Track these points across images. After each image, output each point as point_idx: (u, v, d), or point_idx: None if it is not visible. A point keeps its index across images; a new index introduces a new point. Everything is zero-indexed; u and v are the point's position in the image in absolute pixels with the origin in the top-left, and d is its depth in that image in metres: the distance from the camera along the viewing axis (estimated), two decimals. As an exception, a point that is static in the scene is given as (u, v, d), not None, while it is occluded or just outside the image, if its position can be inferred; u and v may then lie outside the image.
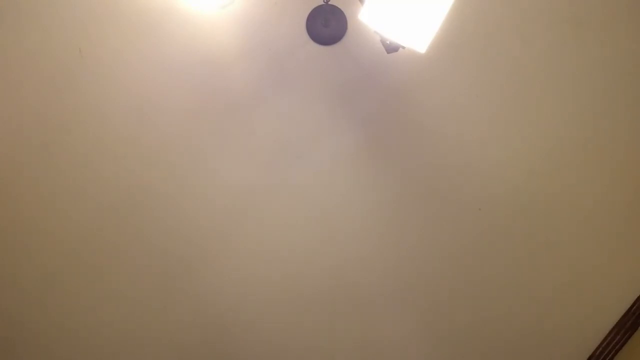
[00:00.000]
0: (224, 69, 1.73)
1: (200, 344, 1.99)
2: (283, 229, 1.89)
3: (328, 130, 1.79)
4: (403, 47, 1.35)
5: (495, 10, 1.68)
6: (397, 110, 1.76)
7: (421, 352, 2.00)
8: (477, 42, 1.70)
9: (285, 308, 1.97)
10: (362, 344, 2.00)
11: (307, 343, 2.00)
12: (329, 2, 1.65)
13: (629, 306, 1.90)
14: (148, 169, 1.82)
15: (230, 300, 1.96)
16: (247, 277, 1.94)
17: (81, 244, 1.88)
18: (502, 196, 1.83)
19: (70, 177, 1.81)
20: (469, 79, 1.73)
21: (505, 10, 1.67)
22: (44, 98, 1.74)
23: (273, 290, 1.95)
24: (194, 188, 1.84)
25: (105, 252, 1.89)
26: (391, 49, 1.41)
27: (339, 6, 1.66)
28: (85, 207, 1.84)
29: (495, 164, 1.80)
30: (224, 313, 1.97)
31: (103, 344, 2.00)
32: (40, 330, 1.98)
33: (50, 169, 1.81)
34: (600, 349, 1.92)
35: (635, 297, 1.89)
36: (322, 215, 1.87)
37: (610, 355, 1.91)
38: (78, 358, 2.01)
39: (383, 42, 1.40)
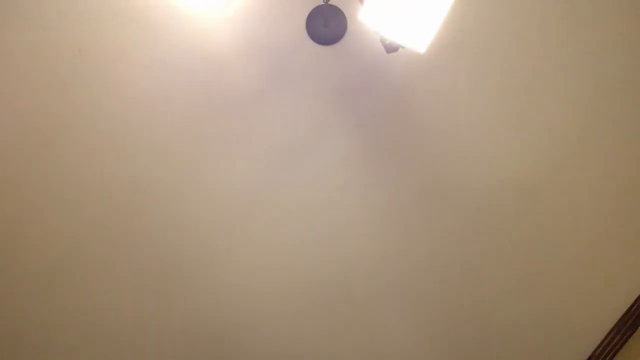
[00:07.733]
0: (224, 68, 1.73)
1: (202, 341, 1.99)
2: (283, 230, 1.89)
3: (328, 130, 1.79)
4: (403, 47, 1.35)
5: (495, 10, 1.68)
6: (396, 109, 1.76)
7: (421, 353, 2.00)
8: (476, 41, 1.70)
9: (286, 314, 1.97)
10: (364, 349, 2.00)
11: (309, 347, 1.99)
12: (329, 2, 1.65)
13: (628, 306, 1.90)
14: (147, 168, 1.82)
15: (229, 304, 1.96)
16: (246, 280, 1.94)
17: (82, 241, 1.88)
18: (502, 196, 1.83)
19: (72, 176, 1.82)
20: (469, 79, 1.73)
21: (505, 10, 1.67)
22: (44, 97, 1.74)
23: (272, 295, 1.95)
24: (193, 187, 1.84)
25: (105, 251, 1.89)
26: (391, 48, 1.42)
27: (339, 6, 1.66)
28: (86, 205, 1.84)
29: (494, 163, 1.80)
30: (225, 313, 1.97)
31: (105, 343, 2.00)
32: (42, 324, 1.98)
33: (52, 168, 1.81)
34: (600, 348, 1.92)
35: (635, 297, 1.89)
36: (322, 215, 1.87)
37: (610, 355, 1.91)
38: (78, 355, 2.01)
39: (383, 42, 1.41)
